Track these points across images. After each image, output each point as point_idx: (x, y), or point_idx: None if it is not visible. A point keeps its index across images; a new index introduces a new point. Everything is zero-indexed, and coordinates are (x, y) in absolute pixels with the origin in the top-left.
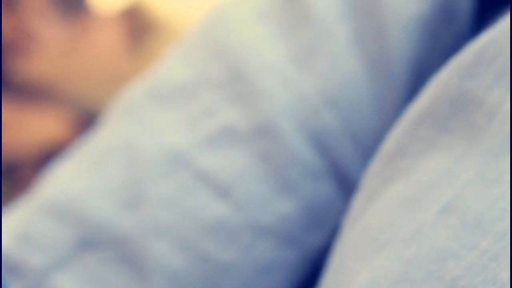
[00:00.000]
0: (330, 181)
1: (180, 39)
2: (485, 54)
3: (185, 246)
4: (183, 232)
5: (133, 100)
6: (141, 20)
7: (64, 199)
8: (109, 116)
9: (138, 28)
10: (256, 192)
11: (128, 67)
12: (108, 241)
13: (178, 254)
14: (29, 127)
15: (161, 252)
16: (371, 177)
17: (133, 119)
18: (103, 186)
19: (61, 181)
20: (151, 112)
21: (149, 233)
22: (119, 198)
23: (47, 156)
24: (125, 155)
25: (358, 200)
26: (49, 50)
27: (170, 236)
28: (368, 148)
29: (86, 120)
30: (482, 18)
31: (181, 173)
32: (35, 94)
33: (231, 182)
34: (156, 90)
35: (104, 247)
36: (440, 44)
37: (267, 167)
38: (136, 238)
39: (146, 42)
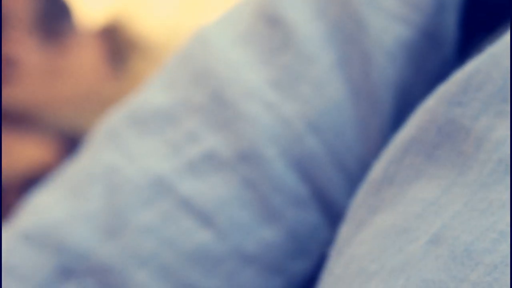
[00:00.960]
0: (315, 208)
1: (161, 60)
2: (471, 82)
3: (167, 274)
4: (165, 260)
5: (114, 126)
6: (121, 38)
7: (44, 226)
8: (90, 142)
9: (119, 47)
10: (240, 220)
11: (110, 88)
12: (89, 270)
13: (160, 283)
14: (13, 152)
15: (142, 281)
16: (358, 206)
17: (114, 145)
18: (83, 213)
19: (41, 208)
20: (132, 138)
21: (131, 261)
22: (100, 226)
23: (30, 181)
24: (105, 181)
25: (345, 229)
26: (31, 74)
27: (152, 264)
28: (353, 174)
29: (69, 144)
30: (466, 44)
31: (163, 200)
32: (17, 119)
33: (214, 209)
34: (137, 115)
35: (85, 275)
36: (424, 69)
37: (250, 194)
38: (117, 266)
39: (128, 61)
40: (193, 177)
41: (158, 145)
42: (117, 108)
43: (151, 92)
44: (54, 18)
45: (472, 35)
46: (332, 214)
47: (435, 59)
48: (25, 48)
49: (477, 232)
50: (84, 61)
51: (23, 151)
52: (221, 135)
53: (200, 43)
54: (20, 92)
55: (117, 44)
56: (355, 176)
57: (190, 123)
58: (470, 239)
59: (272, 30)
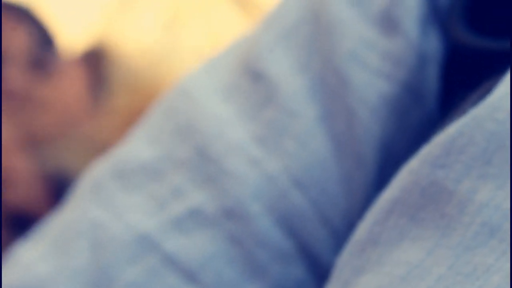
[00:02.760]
0: (300, 263)
1: (145, 91)
2: (455, 145)
3: None
4: None
5: (99, 179)
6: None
7: (28, 283)
8: (75, 193)
9: (102, 73)
10: (225, 276)
11: (92, 125)
12: None
13: None
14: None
15: None
16: (343, 266)
17: (99, 199)
18: (68, 270)
19: (26, 263)
20: (117, 192)
21: None
22: (85, 283)
23: (19, 225)
24: (90, 237)
25: None
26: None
27: None
28: (337, 230)
29: (52, 185)
30: (449, 98)
31: (148, 257)
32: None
33: (200, 266)
34: (122, 168)
35: None
36: (407, 124)
37: (235, 250)
38: None
39: (110, 91)
40: (178, 233)
41: (143, 200)
42: (102, 159)
43: (136, 145)
44: (42, 49)
45: (455, 90)
46: (317, 270)
47: (418, 114)
48: (17, 82)
49: None
50: (68, 89)
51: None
52: (206, 191)
53: (183, 96)
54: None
55: (99, 70)
56: (340, 231)
57: (175, 179)
58: None
59: (255, 84)
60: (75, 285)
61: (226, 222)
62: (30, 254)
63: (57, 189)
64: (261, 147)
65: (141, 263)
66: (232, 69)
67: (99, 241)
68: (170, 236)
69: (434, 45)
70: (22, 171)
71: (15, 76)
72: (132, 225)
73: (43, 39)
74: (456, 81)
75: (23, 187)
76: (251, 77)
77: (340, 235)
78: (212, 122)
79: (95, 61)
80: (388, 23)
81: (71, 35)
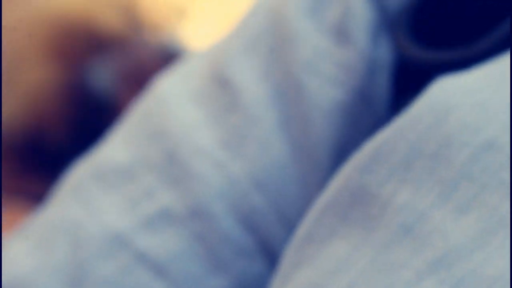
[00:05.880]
0: (261, 258)
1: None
2: (380, 152)
3: None
4: None
5: (78, 180)
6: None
7: (12, 279)
8: (57, 193)
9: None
10: (191, 271)
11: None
12: None
13: None
14: None
15: None
16: (286, 260)
17: (78, 199)
18: (49, 266)
19: (11, 259)
20: (94, 193)
21: None
22: (64, 278)
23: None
24: (70, 235)
25: (275, 282)
26: None
27: None
28: (295, 228)
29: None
30: (400, 104)
31: (121, 254)
32: None
33: (168, 262)
34: (99, 171)
35: None
36: (359, 127)
37: (200, 247)
38: None
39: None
40: (149, 232)
41: (117, 200)
42: (82, 161)
43: (113, 147)
44: None
45: (407, 95)
46: (276, 264)
47: (369, 117)
48: None
49: None
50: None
51: None
52: (174, 192)
53: (157, 100)
54: None
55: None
56: (297, 229)
57: (146, 181)
58: None
59: (220, 90)
60: (56, 280)
61: (192, 221)
62: (15, 250)
63: (79, 107)
64: (225, 151)
65: (114, 260)
66: (202, 75)
67: (77, 238)
68: (141, 235)
69: (384, 54)
70: (48, 84)
71: None
72: (107, 224)
73: None
74: (407, 87)
75: (47, 101)
76: (218, 83)
77: None
78: (181, 127)
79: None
80: (340, 34)
81: None
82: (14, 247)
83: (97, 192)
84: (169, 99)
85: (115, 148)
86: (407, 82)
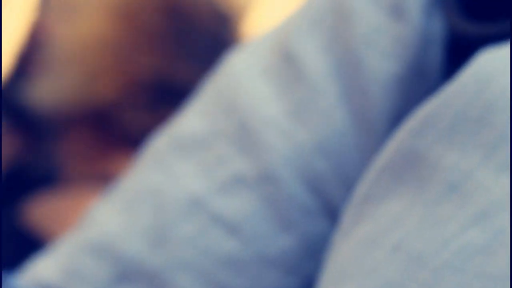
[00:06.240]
0: (325, 218)
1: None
2: (429, 118)
3: (204, 278)
4: (202, 266)
5: (158, 150)
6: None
7: (102, 238)
8: (139, 162)
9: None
10: (262, 231)
11: None
12: (140, 275)
13: (198, 284)
14: None
15: (184, 283)
16: (346, 217)
17: (158, 166)
18: (135, 227)
19: (100, 221)
20: (173, 161)
21: (174, 267)
22: (149, 238)
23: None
24: (152, 199)
25: (337, 237)
26: None
27: (192, 270)
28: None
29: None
30: (451, 71)
31: (199, 216)
32: None
33: (241, 222)
34: (176, 140)
35: (137, 280)
36: (413, 98)
37: (270, 209)
38: (164, 272)
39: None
40: (224, 195)
41: (194, 167)
42: (160, 133)
43: (189, 119)
44: None
45: (456, 64)
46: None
47: (422, 88)
48: None
49: (427, 241)
50: None
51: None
52: (245, 160)
53: (228, 76)
54: None
55: None
56: None
57: (220, 149)
58: (422, 247)
59: (288, 65)
60: (141, 241)
61: (262, 185)
62: (104, 213)
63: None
64: (291, 121)
65: (193, 221)
66: (270, 51)
67: (159, 202)
68: (217, 198)
69: (436, 28)
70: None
71: None
72: (186, 189)
73: None
74: (458, 59)
75: (111, 82)
76: (284, 58)
77: None
78: (251, 100)
79: None
80: (396, 10)
81: None
82: (102, 210)
83: (175, 160)
84: (239, 74)
85: (191, 119)
86: (458, 54)
